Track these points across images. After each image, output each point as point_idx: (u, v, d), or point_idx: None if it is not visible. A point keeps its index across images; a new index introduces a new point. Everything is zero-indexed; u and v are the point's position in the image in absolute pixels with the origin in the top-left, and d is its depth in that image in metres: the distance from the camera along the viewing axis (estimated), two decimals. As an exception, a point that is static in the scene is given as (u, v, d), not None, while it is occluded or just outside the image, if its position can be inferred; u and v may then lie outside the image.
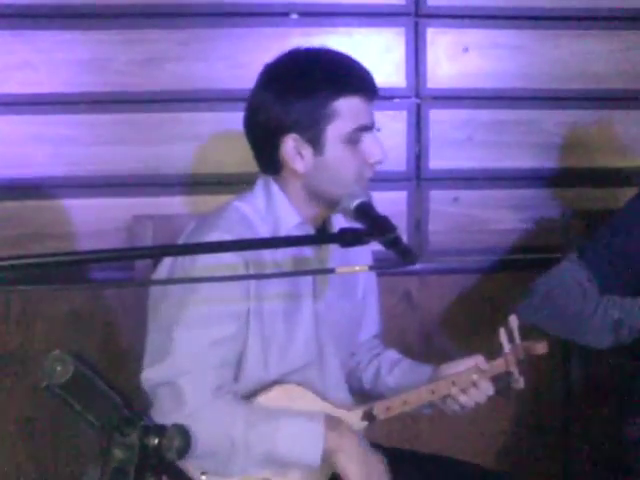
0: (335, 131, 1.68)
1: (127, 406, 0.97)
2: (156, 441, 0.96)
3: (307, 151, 1.70)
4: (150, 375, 1.66)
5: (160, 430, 0.97)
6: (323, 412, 1.71)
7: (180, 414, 1.59)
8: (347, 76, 1.70)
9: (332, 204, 1.72)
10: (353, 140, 1.69)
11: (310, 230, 1.78)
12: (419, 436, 2.61)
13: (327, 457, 1.68)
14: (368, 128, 1.71)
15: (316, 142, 1.69)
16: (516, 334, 1.84)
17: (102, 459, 0.93)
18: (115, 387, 0.96)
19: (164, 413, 1.62)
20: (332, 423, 1.69)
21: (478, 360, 1.82)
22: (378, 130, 1.76)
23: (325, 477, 1.76)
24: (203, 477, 1.67)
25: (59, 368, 0.89)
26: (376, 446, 1.94)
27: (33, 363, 2.45)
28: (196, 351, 1.64)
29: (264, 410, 1.68)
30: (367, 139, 1.71)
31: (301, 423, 1.68)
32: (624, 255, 2.08)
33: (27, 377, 2.43)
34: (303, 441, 1.65)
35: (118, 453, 0.94)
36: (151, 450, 0.96)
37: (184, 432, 0.95)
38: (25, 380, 2.43)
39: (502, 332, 1.83)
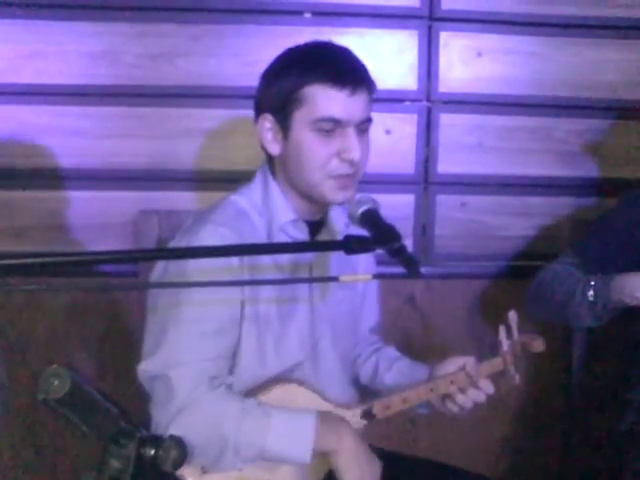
0: (301, 117, 1.67)
1: (124, 418, 0.96)
2: (152, 452, 0.96)
3: (279, 134, 1.71)
4: (145, 367, 1.67)
5: (156, 441, 0.96)
6: (318, 410, 1.69)
7: (172, 406, 1.60)
8: (323, 65, 1.67)
9: (310, 197, 1.73)
10: (320, 129, 1.66)
11: (304, 227, 1.78)
12: (418, 440, 2.62)
13: (324, 455, 1.68)
14: (338, 121, 1.66)
15: (285, 125, 1.69)
16: (514, 330, 1.84)
17: (98, 468, 0.93)
18: (112, 399, 0.96)
19: (158, 405, 1.64)
20: (329, 422, 1.68)
21: (468, 361, 1.81)
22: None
23: (320, 474, 1.77)
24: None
25: (56, 383, 0.89)
26: (375, 449, 1.94)
27: (34, 353, 2.45)
28: (188, 343, 1.64)
29: (256, 406, 1.66)
30: (341, 134, 1.67)
31: (292, 421, 1.66)
32: (613, 234, 2.19)
33: (27, 367, 2.44)
34: (293, 439, 1.64)
35: (114, 463, 0.94)
36: (147, 461, 0.95)
37: (180, 443, 0.95)
38: (25, 370, 2.44)
39: (502, 329, 1.83)
